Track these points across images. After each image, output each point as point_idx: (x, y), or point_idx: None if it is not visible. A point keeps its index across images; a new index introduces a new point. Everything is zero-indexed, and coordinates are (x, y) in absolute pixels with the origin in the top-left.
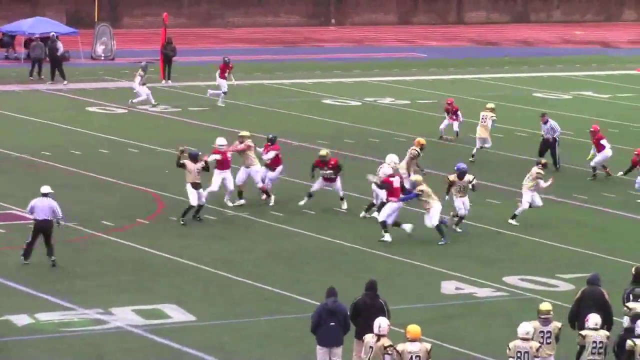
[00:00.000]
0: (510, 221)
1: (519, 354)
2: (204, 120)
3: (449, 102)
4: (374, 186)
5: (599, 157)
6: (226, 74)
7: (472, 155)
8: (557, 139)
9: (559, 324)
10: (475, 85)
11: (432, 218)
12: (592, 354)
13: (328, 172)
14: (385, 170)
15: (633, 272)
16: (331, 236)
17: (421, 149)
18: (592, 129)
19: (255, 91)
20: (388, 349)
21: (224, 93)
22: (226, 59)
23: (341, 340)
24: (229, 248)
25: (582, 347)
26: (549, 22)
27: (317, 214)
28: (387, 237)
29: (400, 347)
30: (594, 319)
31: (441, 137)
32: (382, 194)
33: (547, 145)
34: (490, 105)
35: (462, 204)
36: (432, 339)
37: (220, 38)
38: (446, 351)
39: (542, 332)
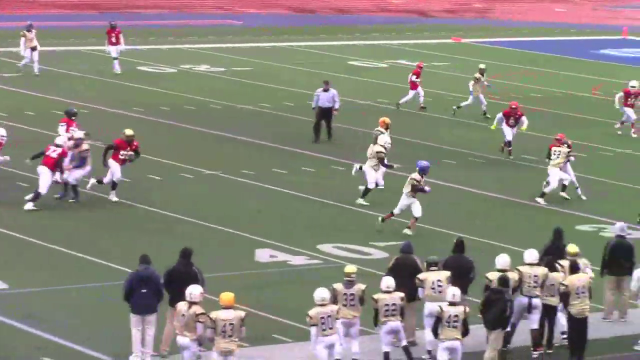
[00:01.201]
0: (539, 199)
1: (322, 320)
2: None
3: (420, 66)
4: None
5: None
6: (113, 39)
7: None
8: (337, 108)
9: (362, 286)
10: (291, 53)
11: None
12: (386, 316)
13: (129, 154)
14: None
15: (455, 242)
16: (147, 204)
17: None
18: (513, 106)
19: (70, 57)
20: (200, 316)
21: (115, 59)
22: (112, 23)
23: (154, 307)
24: (43, 214)
25: (377, 310)
26: None
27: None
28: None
29: (213, 314)
30: (386, 281)
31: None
32: (371, 177)
33: (324, 115)
34: None
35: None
36: (246, 306)
37: (36, 2)
38: (261, 319)
39: (346, 294)
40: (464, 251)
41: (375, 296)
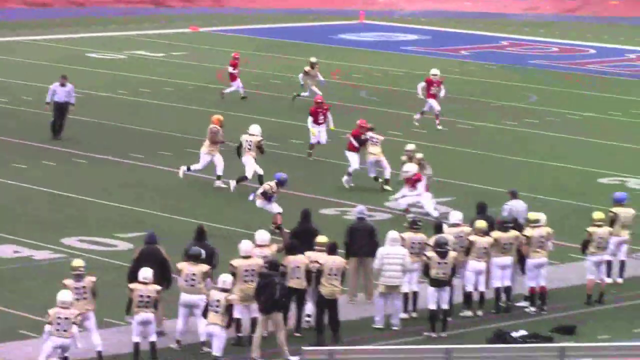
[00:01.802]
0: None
1: (59, 320)
2: None
3: (235, 56)
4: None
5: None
6: None
7: None
8: (73, 103)
9: (93, 279)
10: (28, 47)
11: None
12: (139, 307)
13: None
14: None
15: (196, 230)
16: None
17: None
18: (318, 100)
19: None
20: None
21: None
22: None
23: None
24: None
25: (131, 300)
26: None
27: None
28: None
29: None
30: (143, 272)
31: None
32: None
33: (60, 110)
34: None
35: None
36: None
37: None
38: (6, 315)
39: (77, 288)
40: (206, 239)
41: (132, 286)
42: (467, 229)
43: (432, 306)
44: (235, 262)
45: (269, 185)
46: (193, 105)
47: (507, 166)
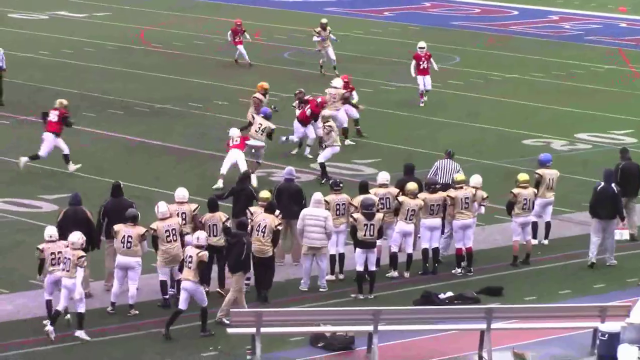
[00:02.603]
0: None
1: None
2: None
3: (237, 23)
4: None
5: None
6: None
7: None
8: (5, 68)
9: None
10: None
11: None
12: (52, 265)
13: None
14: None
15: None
16: None
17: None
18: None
19: None
20: None
21: None
22: None
23: None
24: None
25: (43, 260)
26: None
27: None
28: None
29: None
30: (49, 231)
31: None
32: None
33: None
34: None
35: None
36: None
37: None
38: None
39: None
40: (122, 194)
41: (40, 246)
42: (393, 190)
43: (359, 268)
44: (154, 225)
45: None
46: (115, 66)
47: (432, 128)
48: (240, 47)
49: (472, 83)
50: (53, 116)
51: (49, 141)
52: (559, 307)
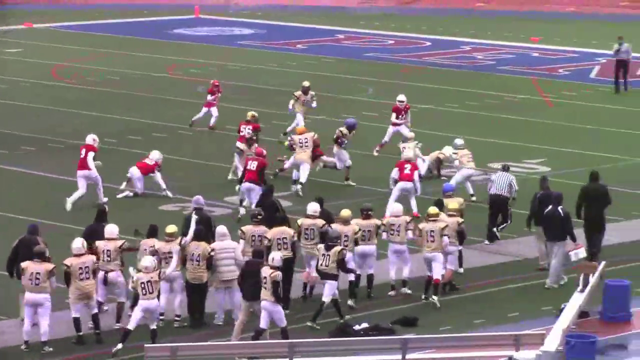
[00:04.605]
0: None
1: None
2: None
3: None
4: None
5: None
6: None
7: None
8: None
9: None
10: None
11: None
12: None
13: None
14: None
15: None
16: None
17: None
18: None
19: None
20: None
21: None
22: None
23: None
24: None
25: None
26: None
27: None
28: None
29: None
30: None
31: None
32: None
33: None
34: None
35: None
36: None
37: None
38: None
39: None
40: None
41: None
42: (319, 221)
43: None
44: (68, 261)
45: (340, 130)
46: (27, 103)
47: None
48: (213, 110)
49: (385, 115)
50: None
51: None
52: (474, 336)
